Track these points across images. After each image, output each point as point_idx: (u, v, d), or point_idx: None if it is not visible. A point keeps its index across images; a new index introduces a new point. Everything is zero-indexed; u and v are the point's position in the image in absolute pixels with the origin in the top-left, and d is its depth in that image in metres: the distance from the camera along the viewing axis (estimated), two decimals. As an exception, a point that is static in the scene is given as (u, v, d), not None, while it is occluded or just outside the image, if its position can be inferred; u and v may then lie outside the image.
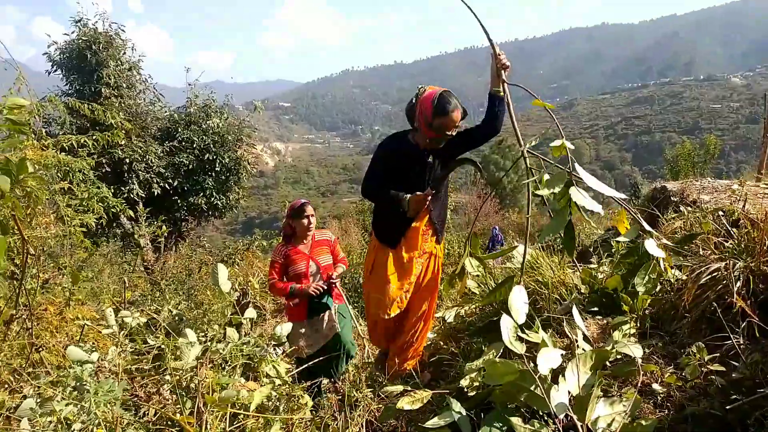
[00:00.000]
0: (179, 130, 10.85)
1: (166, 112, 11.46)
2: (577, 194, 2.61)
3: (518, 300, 2.28)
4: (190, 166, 10.67)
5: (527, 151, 3.06)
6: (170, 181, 10.47)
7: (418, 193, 2.85)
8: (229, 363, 2.44)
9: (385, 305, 2.96)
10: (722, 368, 1.81)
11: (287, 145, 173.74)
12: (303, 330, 3.59)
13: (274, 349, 3.48)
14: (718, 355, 1.89)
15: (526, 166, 3.00)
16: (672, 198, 4.55)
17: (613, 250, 3.27)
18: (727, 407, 1.64)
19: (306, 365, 3.42)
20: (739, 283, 2.12)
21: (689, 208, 3.47)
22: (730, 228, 2.53)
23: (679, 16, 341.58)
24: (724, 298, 2.15)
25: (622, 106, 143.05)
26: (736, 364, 1.83)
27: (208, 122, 11.02)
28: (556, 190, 2.69)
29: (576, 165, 2.72)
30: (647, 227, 2.57)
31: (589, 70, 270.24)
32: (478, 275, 3.15)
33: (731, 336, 1.86)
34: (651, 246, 2.47)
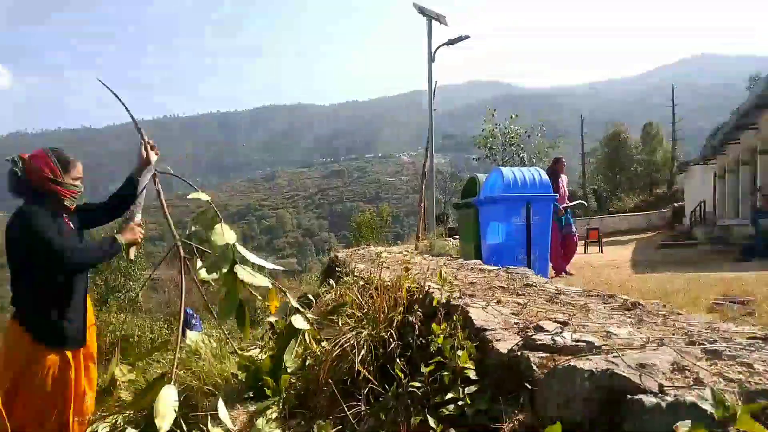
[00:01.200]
0: None
1: None
2: (243, 273, 2.58)
3: (166, 404, 2.07)
4: None
5: (189, 237, 2.94)
6: None
7: (131, 224, 2.59)
8: None
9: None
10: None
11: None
12: None
13: None
14: (340, 426, 2.01)
15: (180, 256, 2.87)
16: (337, 268, 5.01)
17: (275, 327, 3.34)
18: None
19: None
20: (363, 351, 2.34)
21: (346, 278, 3.83)
22: (360, 298, 2.83)
23: (360, 102, 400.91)
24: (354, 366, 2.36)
25: (318, 178, 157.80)
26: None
27: None
28: (222, 272, 2.62)
29: (237, 246, 2.71)
30: (294, 303, 2.69)
31: (290, 144, 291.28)
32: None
33: (344, 406, 2.00)
34: (298, 321, 2.57)
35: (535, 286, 2.70)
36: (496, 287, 2.66)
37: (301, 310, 2.71)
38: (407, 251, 5.82)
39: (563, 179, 7.85)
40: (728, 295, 5.10)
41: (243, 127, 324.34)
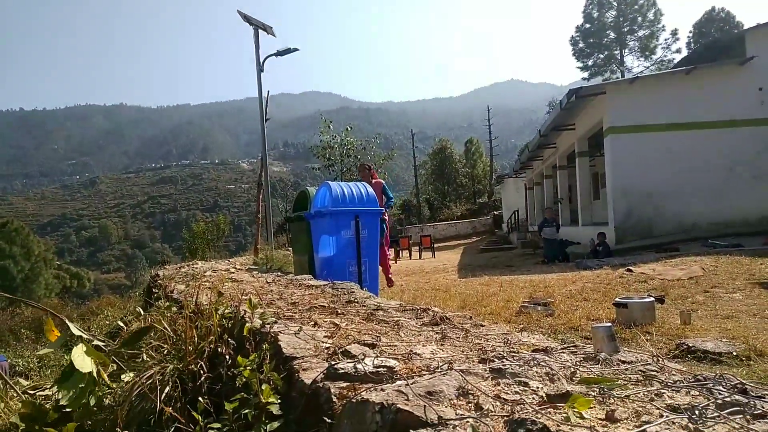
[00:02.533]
0: None
1: None
2: None
3: None
4: None
5: None
6: None
7: None
8: None
9: None
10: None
11: None
12: None
13: None
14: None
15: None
16: (154, 289, 4.56)
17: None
18: None
19: None
20: (169, 387, 2.12)
21: (158, 303, 3.48)
22: (172, 325, 2.58)
23: (193, 106, 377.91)
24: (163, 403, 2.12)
25: (147, 185, 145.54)
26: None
27: None
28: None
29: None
30: (76, 330, 2.34)
31: (111, 147, 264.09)
32: None
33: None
34: (78, 354, 2.23)
35: (357, 303, 2.71)
36: (317, 307, 2.60)
37: (86, 339, 2.37)
38: (237, 267, 5.53)
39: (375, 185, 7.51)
40: (534, 298, 5.73)
41: (53, 128, 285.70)
